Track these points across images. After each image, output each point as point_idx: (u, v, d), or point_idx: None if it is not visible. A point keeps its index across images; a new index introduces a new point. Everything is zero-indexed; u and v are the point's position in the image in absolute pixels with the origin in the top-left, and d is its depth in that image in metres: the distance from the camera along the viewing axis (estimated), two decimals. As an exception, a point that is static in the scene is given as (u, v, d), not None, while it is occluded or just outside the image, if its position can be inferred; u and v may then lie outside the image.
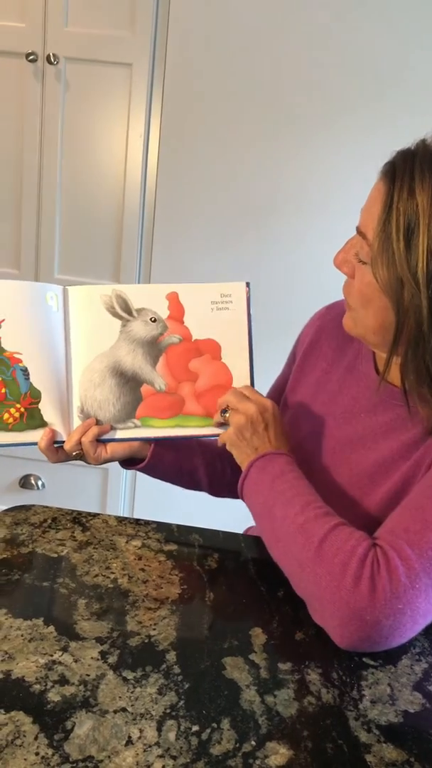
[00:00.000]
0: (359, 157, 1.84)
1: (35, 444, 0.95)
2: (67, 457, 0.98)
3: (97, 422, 0.97)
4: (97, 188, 2.00)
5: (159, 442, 1.03)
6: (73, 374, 0.97)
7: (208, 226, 1.96)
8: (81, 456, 0.98)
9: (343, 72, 1.81)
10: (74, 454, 0.97)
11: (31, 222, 2.04)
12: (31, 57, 1.89)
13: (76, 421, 0.97)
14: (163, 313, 0.98)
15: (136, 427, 0.98)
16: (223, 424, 0.98)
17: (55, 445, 0.96)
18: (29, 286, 0.96)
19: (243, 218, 1.94)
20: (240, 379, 0.99)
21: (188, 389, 0.99)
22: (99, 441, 0.97)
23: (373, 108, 1.81)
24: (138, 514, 2.18)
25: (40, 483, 2.19)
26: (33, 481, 2.19)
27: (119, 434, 0.98)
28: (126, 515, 2.20)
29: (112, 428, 0.97)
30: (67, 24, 1.88)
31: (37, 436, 0.95)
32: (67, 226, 2.04)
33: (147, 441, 1.02)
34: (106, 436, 0.97)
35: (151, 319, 0.97)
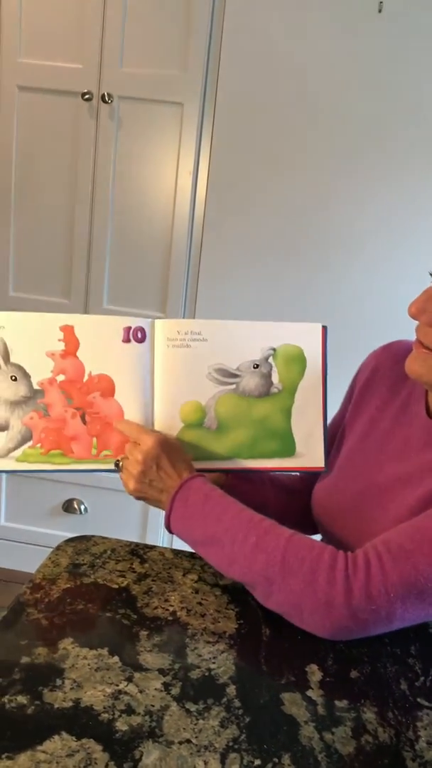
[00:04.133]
0: (405, 194, 1.88)
1: (117, 471, 0.99)
2: None
3: None
4: (146, 222, 2.06)
5: (235, 474, 1.06)
6: (156, 405, 1.00)
7: (253, 261, 2.00)
8: None
9: (398, 108, 1.85)
10: None
11: (82, 253, 2.10)
12: (87, 96, 1.97)
13: None
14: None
15: None
16: None
17: None
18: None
19: (288, 253, 1.98)
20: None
21: None
22: None
23: (427, 143, 1.85)
24: (177, 540, 2.20)
25: (83, 507, 2.24)
26: (76, 505, 2.23)
27: (202, 465, 1.01)
28: (165, 542, 2.23)
29: (195, 459, 1.01)
30: (122, 65, 1.96)
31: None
32: (116, 258, 2.10)
33: (225, 472, 1.06)
34: None
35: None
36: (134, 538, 2.22)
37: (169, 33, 1.92)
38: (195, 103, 1.95)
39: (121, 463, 0.98)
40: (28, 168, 2.07)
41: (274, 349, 1.02)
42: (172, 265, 2.07)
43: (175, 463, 0.95)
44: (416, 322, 0.90)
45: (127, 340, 0.98)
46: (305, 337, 1.03)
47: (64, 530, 2.26)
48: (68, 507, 2.24)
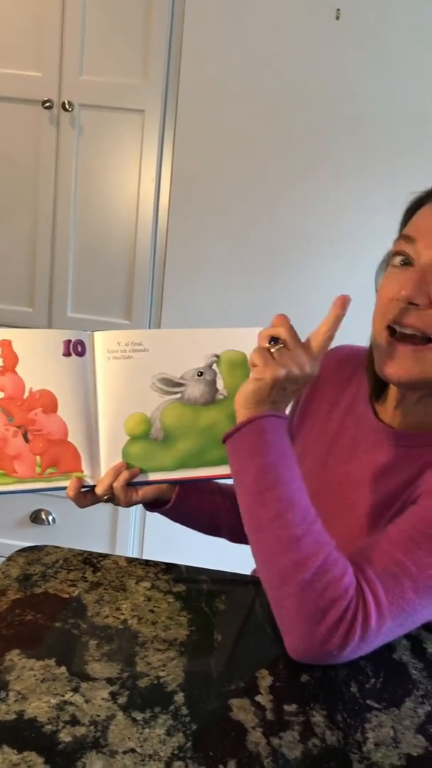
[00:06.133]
0: (371, 200, 1.89)
1: (64, 489, 0.97)
2: (95, 501, 1.00)
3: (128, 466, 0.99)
4: (109, 229, 2.05)
5: (184, 485, 1.05)
6: (99, 419, 0.99)
7: (218, 268, 2.01)
8: (111, 499, 1.00)
9: (361, 113, 1.86)
10: (105, 498, 1.00)
11: (45, 261, 2.09)
12: (47, 104, 1.96)
13: (104, 466, 0.99)
14: None
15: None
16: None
17: (83, 490, 0.98)
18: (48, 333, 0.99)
19: (253, 261, 1.99)
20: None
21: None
22: (129, 485, 0.99)
23: (379, 148, 1.87)
24: (147, 551, 2.20)
25: (50, 518, 2.22)
26: (44, 516, 2.21)
27: (150, 477, 1.01)
28: (135, 552, 2.22)
29: (142, 471, 1.00)
30: (82, 73, 1.95)
31: (66, 482, 0.97)
32: (80, 266, 2.09)
33: (178, 483, 1.04)
34: (136, 479, 0.99)
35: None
36: (103, 548, 2.20)
37: (129, 40, 1.92)
38: (156, 110, 1.95)
39: (280, 346, 0.91)
40: (-11, 177, 2.06)
41: (217, 356, 1.01)
42: (137, 272, 2.06)
43: (287, 405, 0.89)
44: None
45: (67, 354, 0.96)
46: (247, 341, 1.02)
47: (31, 541, 2.20)
48: (36, 518, 2.22)
